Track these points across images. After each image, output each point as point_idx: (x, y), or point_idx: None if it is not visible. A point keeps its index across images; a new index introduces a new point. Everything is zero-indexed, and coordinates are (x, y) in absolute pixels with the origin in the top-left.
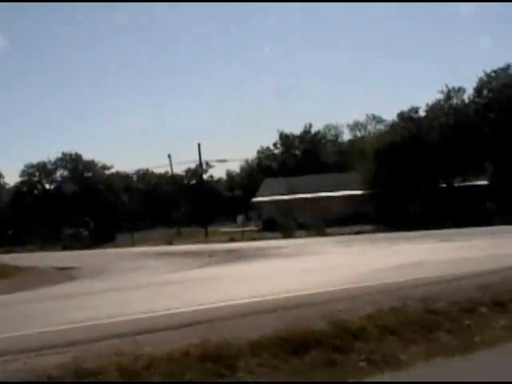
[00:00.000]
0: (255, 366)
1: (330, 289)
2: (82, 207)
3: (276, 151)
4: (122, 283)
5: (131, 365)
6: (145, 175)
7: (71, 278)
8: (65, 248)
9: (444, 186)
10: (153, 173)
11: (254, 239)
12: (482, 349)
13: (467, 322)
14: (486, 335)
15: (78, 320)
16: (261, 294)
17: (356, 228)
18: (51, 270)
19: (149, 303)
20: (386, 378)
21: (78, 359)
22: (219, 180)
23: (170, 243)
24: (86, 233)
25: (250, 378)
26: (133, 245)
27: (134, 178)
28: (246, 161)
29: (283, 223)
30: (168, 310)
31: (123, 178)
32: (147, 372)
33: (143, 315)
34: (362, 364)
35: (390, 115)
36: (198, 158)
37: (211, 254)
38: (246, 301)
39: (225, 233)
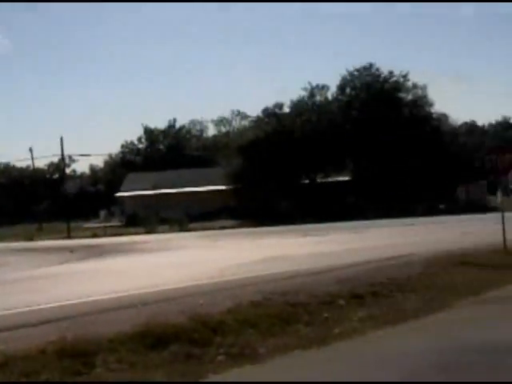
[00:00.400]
0: (113, 362)
1: (192, 283)
2: None
3: (140, 146)
4: None
5: None
6: (5, 169)
7: None
8: None
9: (307, 181)
10: (14, 166)
11: (117, 235)
12: (339, 340)
13: (326, 315)
14: (344, 327)
15: None
16: (122, 289)
17: (220, 223)
18: None
19: (7, 299)
20: (244, 371)
21: None
22: (82, 175)
23: (31, 239)
24: None
25: (108, 374)
26: None
27: None
28: (110, 155)
29: (146, 218)
30: (27, 306)
31: None
32: (1, 371)
33: (0, 312)
34: (220, 357)
35: (255, 111)
36: (60, 151)
37: (73, 250)
38: (107, 296)
39: (87, 228)
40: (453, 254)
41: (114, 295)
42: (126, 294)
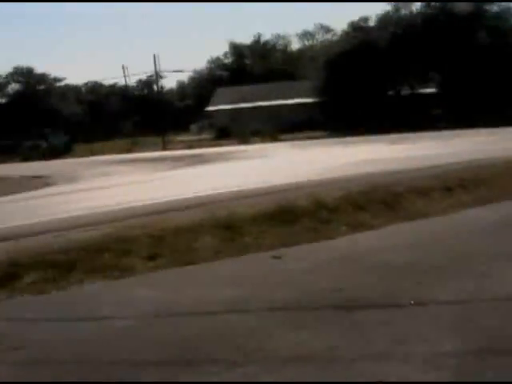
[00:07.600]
0: (257, 233)
1: (299, 180)
2: (37, 120)
3: (226, 61)
4: (105, 184)
5: (156, 233)
6: (94, 87)
7: (47, 184)
8: (25, 160)
9: (392, 94)
10: (102, 85)
11: (212, 146)
12: (431, 217)
13: (423, 201)
14: (434, 208)
15: (92, 207)
16: (238, 184)
17: (308, 134)
18: (24, 179)
19: (145, 194)
20: (364, 235)
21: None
22: (170, 91)
23: (129, 151)
24: (44, 145)
25: (254, 241)
26: (92, 154)
27: (83, 90)
28: (195, 71)
29: (238, 130)
30: (165, 197)
31: (72, 89)
32: (170, 237)
33: (148, 202)
34: (343, 228)
35: (339, 25)
36: (151, 69)
37: (176, 159)
38: (231, 189)
39: (181, 141)
40: None
41: (235, 189)
42: (245, 187)
